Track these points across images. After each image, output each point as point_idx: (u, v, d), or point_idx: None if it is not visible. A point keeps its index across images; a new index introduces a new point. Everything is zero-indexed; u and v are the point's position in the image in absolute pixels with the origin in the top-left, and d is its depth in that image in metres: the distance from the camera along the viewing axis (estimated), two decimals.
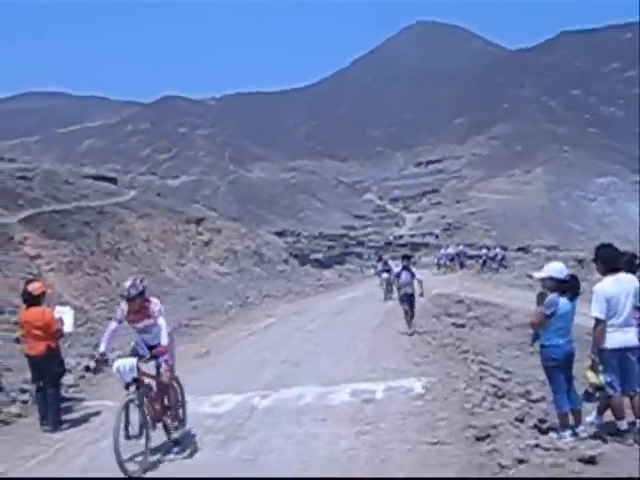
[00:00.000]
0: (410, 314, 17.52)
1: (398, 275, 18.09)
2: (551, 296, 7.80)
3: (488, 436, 7.62)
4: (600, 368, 7.46)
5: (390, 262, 30.71)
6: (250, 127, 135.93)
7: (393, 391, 10.46)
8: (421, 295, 17.88)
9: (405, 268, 17.93)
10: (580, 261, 41.92)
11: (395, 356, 13.49)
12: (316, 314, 23.58)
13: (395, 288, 24.47)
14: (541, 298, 7.92)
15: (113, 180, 49.82)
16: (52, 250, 25.98)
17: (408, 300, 17.54)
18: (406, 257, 19.28)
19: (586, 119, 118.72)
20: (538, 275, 8.29)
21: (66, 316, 10.79)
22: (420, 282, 17.71)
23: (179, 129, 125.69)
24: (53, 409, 9.84)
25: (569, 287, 7.85)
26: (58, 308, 11.16)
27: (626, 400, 7.61)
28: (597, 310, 7.53)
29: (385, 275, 28.04)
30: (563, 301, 7.76)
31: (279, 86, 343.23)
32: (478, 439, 7.63)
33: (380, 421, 8.77)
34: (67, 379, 11.97)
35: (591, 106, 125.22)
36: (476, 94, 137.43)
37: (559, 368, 7.80)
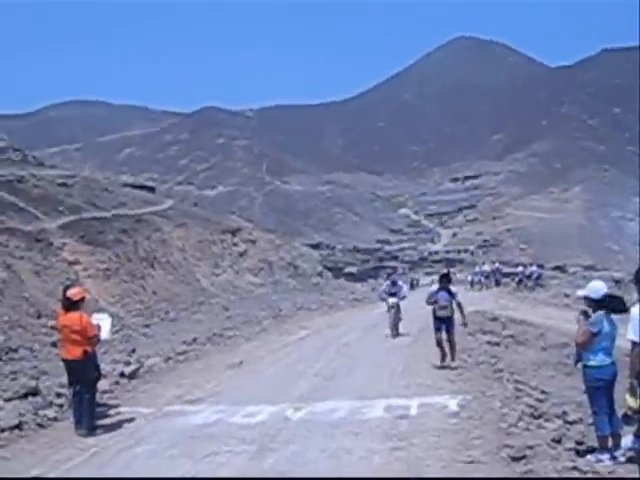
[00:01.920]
0: (450, 344, 14.37)
1: (435, 295, 14.59)
2: (597, 314, 7.70)
3: (524, 457, 7.52)
4: (639, 392, 7.33)
5: (400, 282, 22.81)
6: (287, 139, 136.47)
7: (427, 407, 10.37)
8: (464, 325, 15.58)
9: (443, 289, 14.70)
10: (617, 281, 41.33)
11: (429, 372, 13.39)
12: (349, 328, 23.53)
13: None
14: (583, 317, 7.83)
15: (151, 189, 50.45)
16: (90, 256, 26.33)
17: (446, 326, 14.39)
18: (445, 276, 15.45)
19: (626, 138, 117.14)
20: (580, 293, 8.23)
21: (104, 323, 10.96)
22: (460, 305, 14.76)
23: (217, 140, 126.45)
24: (88, 414, 9.92)
25: (613, 304, 7.75)
26: (96, 315, 11.32)
27: None
28: (634, 333, 7.39)
29: (393, 300, 20.63)
30: (607, 320, 7.69)
31: (317, 99, 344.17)
32: (514, 459, 7.53)
33: (414, 437, 8.69)
34: (102, 385, 12.07)
35: (631, 125, 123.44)
36: (515, 111, 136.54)
37: (603, 389, 7.68)
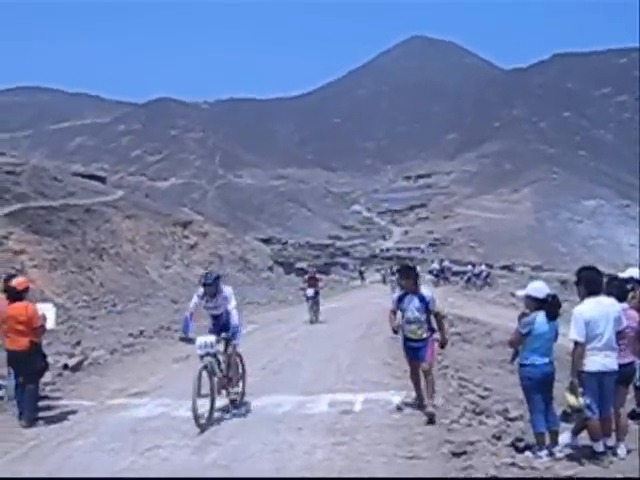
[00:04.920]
0: (425, 377, 9.47)
1: (399, 304, 9.52)
2: (530, 316, 7.84)
3: (464, 452, 7.59)
4: (579, 390, 7.47)
5: (225, 290, 10.56)
6: (242, 133, 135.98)
7: (372, 403, 10.40)
8: (443, 344, 9.88)
9: (410, 292, 9.46)
10: (563, 282, 42.19)
11: (376, 368, 13.42)
12: (298, 323, 23.50)
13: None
14: (523, 317, 7.96)
15: (102, 179, 49.84)
16: (36, 246, 25.85)
17: (419, 351, 9.44)
18: (409, 271, 9.94)
19: (576, 141, 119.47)
20: (519, 293, 8.37)
21: (49, 312, 10.85)
22: (439, 317, 9.69)
23: (171, 131, 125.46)
24: (30, 406, 9.75)
25: (548, 307, 7.85)
26: (40, 305, 11.13)
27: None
28: (575, 333, 7.54)
29: (203, 342, 9.74)
30: (540, 321, 7.77)
31: (273, 94, 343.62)
32: (454, 455, 7.60)
33: (357, 433, 8.71)
34: (44, 377, 11.86)
35: (582, 129, 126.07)
36: (468, 111, 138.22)
37: (536, 388, 7.81)
